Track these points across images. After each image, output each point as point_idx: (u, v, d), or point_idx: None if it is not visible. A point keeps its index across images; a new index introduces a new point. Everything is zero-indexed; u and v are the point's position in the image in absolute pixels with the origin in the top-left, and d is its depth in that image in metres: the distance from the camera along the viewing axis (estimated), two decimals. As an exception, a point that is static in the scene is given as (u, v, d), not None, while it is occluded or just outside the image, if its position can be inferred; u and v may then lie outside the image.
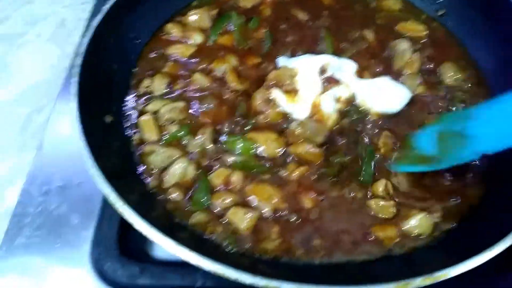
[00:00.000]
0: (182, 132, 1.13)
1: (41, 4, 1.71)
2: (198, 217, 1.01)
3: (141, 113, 1.17)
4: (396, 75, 1.24)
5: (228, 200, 1.03)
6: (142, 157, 1.11)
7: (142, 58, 1.29)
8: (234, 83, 1.20)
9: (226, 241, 0.98)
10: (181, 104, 1.17)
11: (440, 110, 1.20)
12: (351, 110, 1.17)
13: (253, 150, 1.10)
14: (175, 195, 1.05)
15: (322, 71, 1.20)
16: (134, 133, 1.15)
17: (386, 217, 1.03)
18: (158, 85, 1.22)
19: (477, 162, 1.11)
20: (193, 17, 1.35)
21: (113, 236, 1.05)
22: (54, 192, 1.16)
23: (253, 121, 1.15)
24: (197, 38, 1.33)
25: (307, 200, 1.04)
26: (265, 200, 1.03)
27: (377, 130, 1.15)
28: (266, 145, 1.10)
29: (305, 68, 1.20)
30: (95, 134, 0.98)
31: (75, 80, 1.03)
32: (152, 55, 1.30)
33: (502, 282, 1.03)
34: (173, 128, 1.14)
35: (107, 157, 0.98)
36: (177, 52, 1.30)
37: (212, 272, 0.81)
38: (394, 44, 1.28)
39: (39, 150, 1.23)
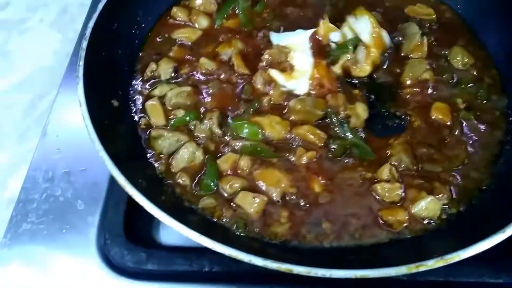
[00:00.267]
0: (189, 117, 1.12)
1: (43, -10, 1.69)
2: (206, 201, 1.01)
3: (148, 97, 1.17)
4: (404, 59, 1.23)
5: (237, 184, 1.02)
6: (149, 141, 1.10)
7: (148, 42, 1.28)
8: (240, 68, 1.19)
9: (235, 225, 0.97)
10: (188, 88, 1.16)
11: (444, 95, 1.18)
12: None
13: (260, 135, 1.09)
14: (183, 179, 1.04)
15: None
16: (141, 117, 1.14)
17: (394, 200, 1.02)
18: (164, 69, 1.20)
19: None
20: (198, 1, 1.34)
21: (119, 222, 1.05)
22: (59, 178, 1.15)
23: (257, 104, 1.14)
24: (202, 22, 1.32)
25: (316, 184, 1.03)
26: (274, 184, 1.02)
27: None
28: (270, 129, 1.09)
29: (297, 42, 1.20)
30: (102, 118, 0.97)
31: (80, 63, 1.01)
32: (158, 39, 1.29)
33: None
34: (180, 113, 1.13)
35: (115, 141, 0.98)
36: (183, 36, 1.29)
37: (225, 255, 0.80)
38: (403, 27, 1.26)
39: (43, 136, 1.21)
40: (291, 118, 1.12)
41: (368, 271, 0.78)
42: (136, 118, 1.14)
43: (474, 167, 1.08)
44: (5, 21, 1.62)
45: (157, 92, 1.17)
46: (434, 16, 1.33)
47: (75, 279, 1.02)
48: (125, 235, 1.03)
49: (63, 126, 1.24)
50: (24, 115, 1.39)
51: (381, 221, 0.99)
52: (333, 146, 1.08)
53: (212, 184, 1.03)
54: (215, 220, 0.99)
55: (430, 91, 1.19)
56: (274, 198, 1.01)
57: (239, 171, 1.05)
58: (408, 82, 1.19)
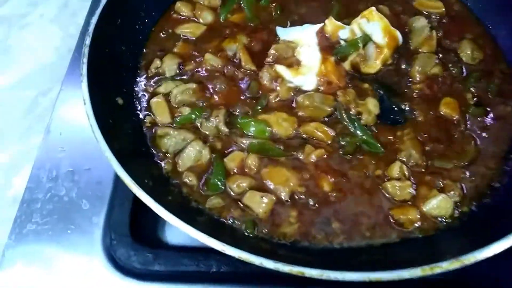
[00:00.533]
0: (195, 114, 1.10)
1: (43, -16, 1.66)
2: (214, 201, 0.99)
3: (153, 95, 1.15)
4: (413, 53, 1.21)
5: (244, 183, 1.00)
6: (155, 140, 1.08)
7: (152, 38, 1.26)
8: (247, 64, 1.17)
9: (244, 225, 0.96)
10: (193, 85, 1.14)
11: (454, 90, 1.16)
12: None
13: (267, 133, 1.07)
14: (190, 179, 1.02)
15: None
16: (146, 115, 1.12)
17: (405, 198, 1.00)
18: (169, 66, 1.18)
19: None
20: (203, -5, 1.32)
21: (125, 222, 1.04)
22: (63, 177, 1.13)
23: (264, 101, 1.12)
24: (207, 17, 1.30)
25: (325, 183, 1.01)
26: (282, 183, 1.00)
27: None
28: (278, 126, 1.07)
29: (304, 37, 1.18)
30: (107, 116, 0.96)
31: (84, 60, 0.99)
32: (162, 35, 1.27)
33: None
34: (186, 110, 1.11)
35: (120, 140, 0.96)
36: (187, 31, 1.27)
37: (235, 257, 0.79)
38: (412, 21, 1.24)
39: (46, 135, 1.19)
40: (299, 114, 1.10)
41: (382, 273, 0.76)
42: (141, 116, 1.12)
43: (485, 164, 1.06)
44: (5, 16, 1.60)
45: (162, 89, 1.15)
46: (443, 9, 1.30)
47: (81, 280, 1.00)
48: (131, 235, 1.02)
49: (66, 124, 1.22)
50: (26, 112, 1.38)
51: (392, 220, 0.97)
52: (343, 143, 1.06)
53: (219, 183, 1.01)
54: (223, 220, 0.97)
55: (439, 86, 1.17)
56: (283, 198, 0.99)
57: (246, 170, 1.03)
58: (417, 76, 1.17)
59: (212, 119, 1.08)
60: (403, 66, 1.19)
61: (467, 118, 1.11)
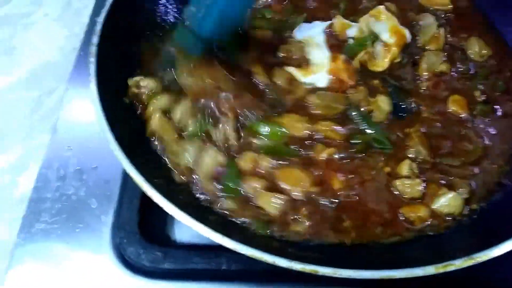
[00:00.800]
0: (201, 128, 1.06)
1: (47, -18, 1.66)
2: (226, 202, 0.98)
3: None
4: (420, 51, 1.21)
5: (257, 184, 0.99)
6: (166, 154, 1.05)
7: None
8: (260, 77, 1.13)
9: (255, 225, 0.95)
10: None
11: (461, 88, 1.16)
12: None
13: (280, 133, 1.05)
14: (206, 185, 1.00)
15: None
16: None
17: (414, 196, 1.00)
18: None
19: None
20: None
21: (134, 220, 1.03)
22: (71, 176, 1.13)
23: (280, 104, 1.10)
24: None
25: (336, 181, 1.01)
26: (294, 183, 1.00)
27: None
28: (290, 127, 1.06)
29: (311, 36, 1.19)
30: (115, 116, 0.94)
31: (92, 59, 0.98)
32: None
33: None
34: (191, 124, 1.06)
35: (129, 139, 0.95)
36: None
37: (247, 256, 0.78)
38: (418, 19, 1.24)
39: (53, 134, 1.19)
40: (310, 113, 1.10)
41: (395, 271, 0.76)
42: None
43: (493, 161, 1.06)
44: (9, 15, 1.59)
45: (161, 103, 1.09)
46: (450, 6, 1.30)
47: (91, 278, 1.00)
48: (140, 233, 1.01)
49: (72, 123, 1.22)
50: (31, 112, 1.37)
51: (402, 218, 0.97)
52: (354, 142, 1.06)
53: (233, 185, 0.99)
54: (234, 219, 0.97)
55: (446, 83, 1.17)
56: (295, 197, 0.99)
57: (259, 171, 1.02)
58: (425, 74, 1.17)
59: (221, 126, 1.05)
60: (410, 64, 1.18)
61: (475, 115, 1.11)
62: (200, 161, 1.02)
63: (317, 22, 1.22)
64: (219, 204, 0.98)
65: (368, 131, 1.07)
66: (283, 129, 1.06)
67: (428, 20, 1.23)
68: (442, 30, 1.22)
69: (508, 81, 1.17)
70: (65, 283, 1.00)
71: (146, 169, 0.88)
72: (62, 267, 1.01)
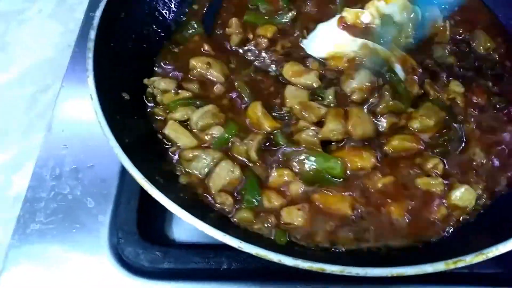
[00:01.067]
0: (231, 133, 1.02)
1: (41, -22, 1.63)
2: (242, 214, 0.93)
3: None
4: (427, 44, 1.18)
5: (279, 202, 0.95)
6: (180, 162, 1.01)
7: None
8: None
9: (275, 235, 0.91)
10: (209, 107, 1.05)
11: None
12: None
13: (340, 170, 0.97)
14: (224, 199, 0.95)
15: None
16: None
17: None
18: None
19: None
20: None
21: (132, 220, 1.01)
22: (67, 175, 1.10)
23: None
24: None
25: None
26: (337, 208, 0.95)
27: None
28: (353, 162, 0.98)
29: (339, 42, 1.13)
30: (114, 111, 0.92)
31: (90, 55, 0.96)
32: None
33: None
34: (217, 130, 1.02)
35: (129, 135, 0.92)
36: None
37: (247, 254, 0.76)
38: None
39: (48, 132, 1.16)
40: None
41: (405, 268, 0.73)
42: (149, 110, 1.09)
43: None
44: (2, 12, 1.56)
45: (177, 115, 1.05)
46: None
47: (88, 280, 0.97)
48: (139, 233, 0.99)
49: (68, 121, 1.19)
50: (26, 109, 1.35)
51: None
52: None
53: (254, 199, 0.94)
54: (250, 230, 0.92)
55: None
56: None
57: (285, 192, 0.96)
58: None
59: (246, 141, 1.00)
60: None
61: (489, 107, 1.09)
62: (213, 173, 0.97)
63: (322, 25, 1.19)
64: (236, 215, 0.94)
65: None
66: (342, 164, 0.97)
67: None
68: (448, 24, 1.20)
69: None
70: (61, 285, 0.97)
71: (146, 166, 0.85)
72: (58, 269, 0.98)
